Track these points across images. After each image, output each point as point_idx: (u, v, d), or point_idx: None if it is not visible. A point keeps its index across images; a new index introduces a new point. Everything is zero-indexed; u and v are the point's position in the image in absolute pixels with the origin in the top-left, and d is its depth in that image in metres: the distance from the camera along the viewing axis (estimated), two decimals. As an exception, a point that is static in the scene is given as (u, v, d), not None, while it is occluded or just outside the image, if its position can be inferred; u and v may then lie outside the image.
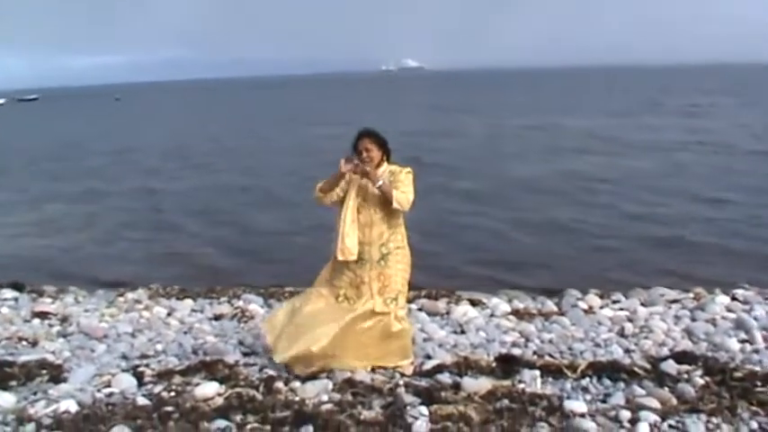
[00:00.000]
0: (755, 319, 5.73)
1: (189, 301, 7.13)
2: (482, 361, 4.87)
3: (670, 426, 3.81)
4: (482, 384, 4.37)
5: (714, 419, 3.86)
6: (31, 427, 3.97)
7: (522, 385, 4.42)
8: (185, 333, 5.96)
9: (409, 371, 4.73)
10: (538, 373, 4.60)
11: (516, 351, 5.18)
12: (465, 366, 4.74)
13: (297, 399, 4.27)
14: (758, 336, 5.25)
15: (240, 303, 6.94)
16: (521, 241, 11.13)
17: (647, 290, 7.17)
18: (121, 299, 7.39)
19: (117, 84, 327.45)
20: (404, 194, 4.48)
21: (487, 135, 28.02)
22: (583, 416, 3.95)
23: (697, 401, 4.07)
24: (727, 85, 69.36)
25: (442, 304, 6.59)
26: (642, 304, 6.50)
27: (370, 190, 4.57)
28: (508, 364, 4.77)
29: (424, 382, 4.50)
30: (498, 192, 15.54)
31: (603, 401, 4.20)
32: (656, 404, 4.03)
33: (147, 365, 5.03)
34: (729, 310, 6.11)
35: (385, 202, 4.52)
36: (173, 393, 4.46)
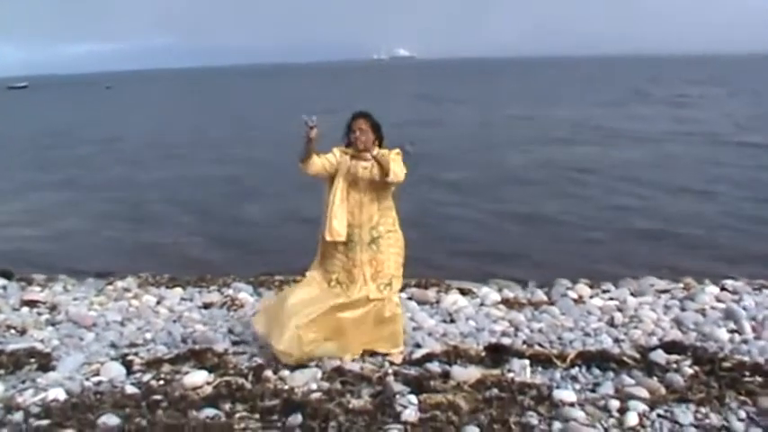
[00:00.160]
0: (744, 309, 5.74)
1: (178, 290, 7.08)
2: (471, 350, 4.87)
3: (659, 415, 3.83)
4: (471, 373, 4.38)
5: (703, 409, 3.88)
6: (19, 415, 3.94)
7: (511, 374, 4.42)
8: (174, 322, 5.93)
9: (399, 360, 4.74)
10: (527, 362, 4.61)
11: (506, 340, 5.18)
12: (454, 355, 4.74)
13: (286, 387, 4.27)
14: (747, 326, 5.26)
15: (230, 292, 6.89)
16: (508, 232, 11.12)
17: (636, 280, 7.18)
18: (110, 287, 7.33)
19: (108, 72, 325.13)
20: (398, 165, 4.50)
21: (476, 125, 27.99)
22: (572, 405, 3.97)
23: (686, 391, 4.09)
24: (719, 74, 69.56)
25: (431, 293, 6.56)
26: (632, 294, 6.50)
27: (360, 173, 4.57)
28: (497, 354, 4.77)
29: (413, 371, 4.51)
30: (486, 182, 15.49)
31: (593, 391, 4.21)
32: (645, 394, 4.04)
33: (135, 354, 5.01)
34: (719, 301, 6.12)
35: (374, 184, 4.54)
36: (161, 382, 4.45)
